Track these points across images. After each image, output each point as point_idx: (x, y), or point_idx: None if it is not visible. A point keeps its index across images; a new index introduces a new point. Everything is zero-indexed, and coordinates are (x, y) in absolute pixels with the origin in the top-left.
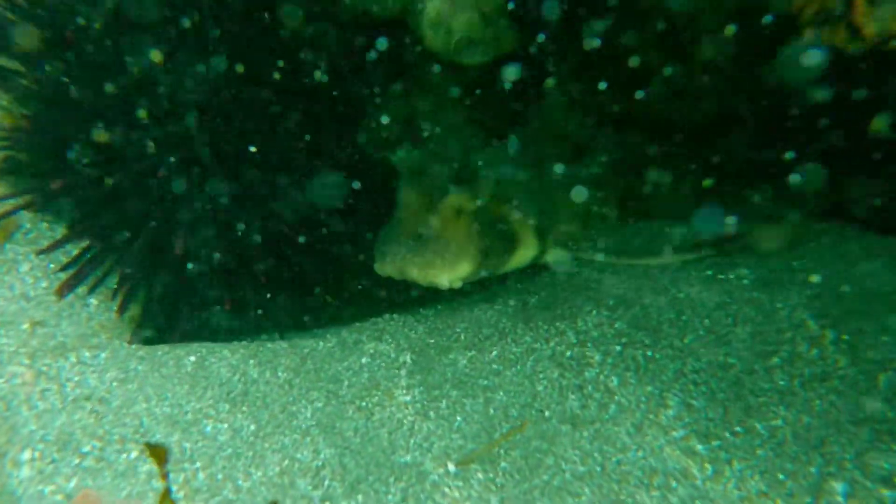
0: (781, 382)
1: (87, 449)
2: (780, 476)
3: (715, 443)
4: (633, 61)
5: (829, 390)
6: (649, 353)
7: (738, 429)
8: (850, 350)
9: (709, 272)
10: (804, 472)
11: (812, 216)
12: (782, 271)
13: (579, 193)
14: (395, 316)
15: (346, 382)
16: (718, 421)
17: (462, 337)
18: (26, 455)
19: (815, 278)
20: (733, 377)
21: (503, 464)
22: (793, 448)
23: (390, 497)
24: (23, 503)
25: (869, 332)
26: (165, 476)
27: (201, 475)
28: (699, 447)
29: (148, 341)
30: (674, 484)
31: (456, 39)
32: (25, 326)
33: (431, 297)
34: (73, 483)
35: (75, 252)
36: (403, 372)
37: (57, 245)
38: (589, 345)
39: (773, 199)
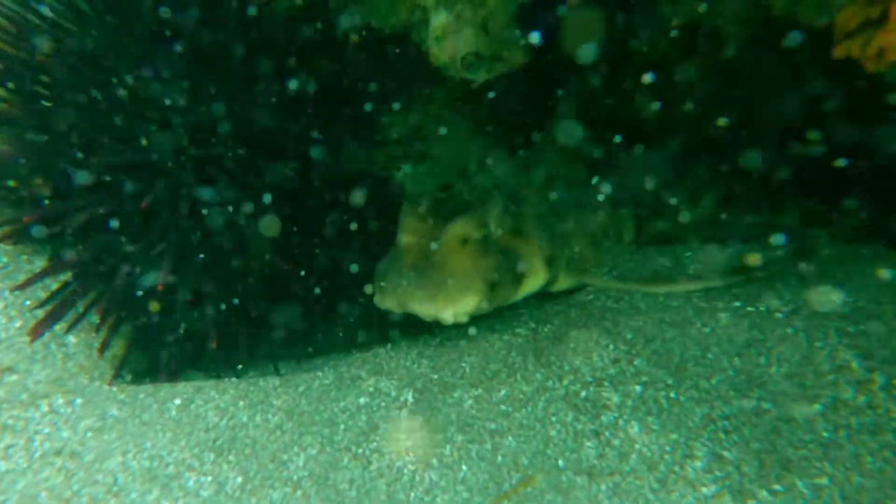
0: (825, 433)
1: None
2: None
3: (751, 502)
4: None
5: (882, 445)
6: (673, 396)
7: (776, 487)
8: None
9: (737, 303)
10: None
11: (848, 238)
12: (821, 305)
13: (592, 217)
14: (395, 347)
15: (342, 426)
16: (754, 476)
17: (468, 372)
18: None
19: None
20: (769, 425)
21: None
22: None
23: None
24: None
25: None
26: None
27: None
28: None
29: (131, 381)
30: None
31: (462, 55)
32: None
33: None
34: None
35: (55, 287)
36: (404, 413)
37: (35, 280)
38: (606, 384)
39: (801, 220)
